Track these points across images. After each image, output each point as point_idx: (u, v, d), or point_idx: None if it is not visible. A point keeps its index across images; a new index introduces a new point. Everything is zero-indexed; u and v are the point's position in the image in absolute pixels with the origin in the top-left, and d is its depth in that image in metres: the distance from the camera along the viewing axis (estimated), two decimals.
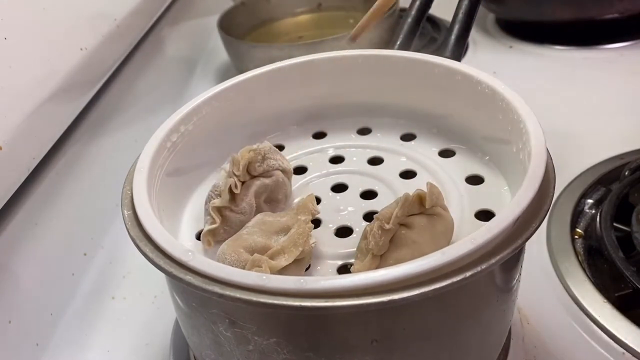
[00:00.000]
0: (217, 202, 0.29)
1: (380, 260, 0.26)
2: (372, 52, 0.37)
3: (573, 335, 0.36)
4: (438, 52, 0.39)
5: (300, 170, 0.36)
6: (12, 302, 0.37)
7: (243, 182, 0.30)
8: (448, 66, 0.34)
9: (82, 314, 0.42)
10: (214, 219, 0.29)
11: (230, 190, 0.29)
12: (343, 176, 0.35)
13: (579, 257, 0.40)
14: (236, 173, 0.29)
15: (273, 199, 0.31)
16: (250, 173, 0.30)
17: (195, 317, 0.27)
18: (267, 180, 0.30)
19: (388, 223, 0.25)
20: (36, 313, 0.39)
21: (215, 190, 0.30)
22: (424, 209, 0.26)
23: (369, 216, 0.31)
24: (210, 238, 0.29)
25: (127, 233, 0.26)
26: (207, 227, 0.29)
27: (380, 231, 0.25)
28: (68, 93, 0.45)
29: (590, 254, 0.41)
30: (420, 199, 0.26)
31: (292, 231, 0.26)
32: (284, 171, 0.31)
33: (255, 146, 0.30)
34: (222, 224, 0.29)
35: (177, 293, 0.27)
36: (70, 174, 0.47)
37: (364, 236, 0.26)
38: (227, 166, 0.30)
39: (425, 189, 0.26)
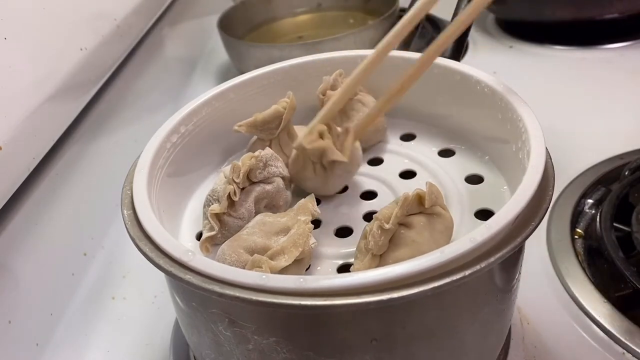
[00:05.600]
0: (215, 208, 0.28)
1: (380, 259, 0.26)
2: (372, 52, 0.37)
3: (573, 335, 0.36)
4: None
5: None
6: (12, 302, 0.37)
7: (243, 188, 0.30)
8: (448, 66, 0.34)
9: (82, 314, 0.42)
10: (212, 225, 0.29)
11: (229, 197, 0.29)
12: None
13: (579, 257, 0.40)
14: (236, 180, 0.29)
15: (274, 205, 0.31)
16: (250, 179, 0.30)
17: (195, 317, 0.27)
18: (267, 187, 0.30)
19: (387, 223, 0.25)
20: (36, 313, 0.39)
21: (214, 195, 0.30)
22: (423, 208, 0.26)
23: (368, 216, 0.31)
24: (208, 244, 0.29)
25: (127, 233, 0.26)
26: (206, 234, 0.29)
27: (379, 231, 0.25)
28: (68, 93, 0.45)
29: (590, 254, 0.41)
30: (419, 198, 0.26)
31: (292, 232, 0.26)
32: (284, 178, 0.31)
33: (256, 153, 0.30)
34: (221, 229, 0.29)
35: (177, 293, 0.27)
36: (70, 174, 0.47)
37: (364, 236, 0.26)
38: (226, 170, 0.30)
39: (424, 188, 0.26)
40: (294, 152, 0.32)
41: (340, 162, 0.31)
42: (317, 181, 0.31)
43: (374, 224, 0.26)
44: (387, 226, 0.25)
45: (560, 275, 0.39)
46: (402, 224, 0.26)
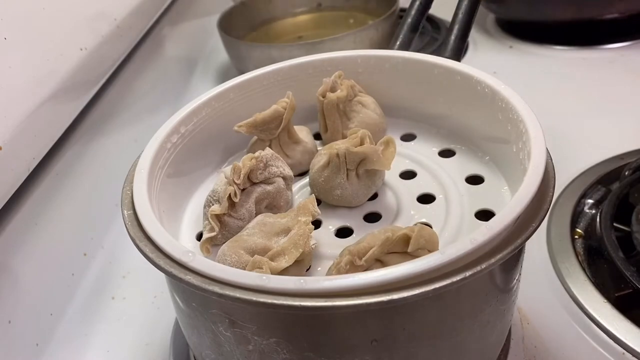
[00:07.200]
0: (216, 209, 0.28)
1: None
2: (372, 52, 0.37)
3: (573, 335, 0.36)
4: (438, 52, 0.39)
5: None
6: (12, 302, 0.37)
7: (243, 189, 0.30)
8: (448, 66, 0.34)
9: (82, 314, 0.42)
10: (212, 226, 0.29)
11: (230, 198, 0.29)
12: None
13: (579, 257, 0.40)
14: (236, 181, 0.29)
15: (275, 205, 0.31)
16: (251, 180, 0.30)
17: (195, 317, 0.27)
18: (268, 187, 0.30)
19: (361, 258, 0.24)
20: (36, 313, 0.39)
21: (214, 196, 0.29)
22: (407, 249, 0.24)
23: (369, 217, 0.31)
24: (208, 245, 0.29)
25: (127, 233, 0.26)
26: (206, 235, 0.29)
27: (348, 266, 0.24)
28: (68, 93, 0.45)
29: (590, 254, 0.41)
30: (405, 239, 0.24)
31: (292, 232, 0.26)
32: (285, 178, 0.31)
33: (257, 154, 0.30)
34: (221, 229, 0.29)
35: (177, 293, 0.27)
36: (70, 174, 0.47)
37: (334, 265, 0.25)
38: (226, 170, 0.30)
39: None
40: (320, 159, 0.32)
41: (377, 171, 0.31)
42: (348, 189, 0.30)
43: (344, 257, 0.24)
44: (359, 262, 0.24)
45: (560, 275, 0.39)
46: (379, 260, 0.25)
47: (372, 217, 0.31)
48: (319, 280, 0.21)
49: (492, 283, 0.25)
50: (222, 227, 0.29)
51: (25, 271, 0.39)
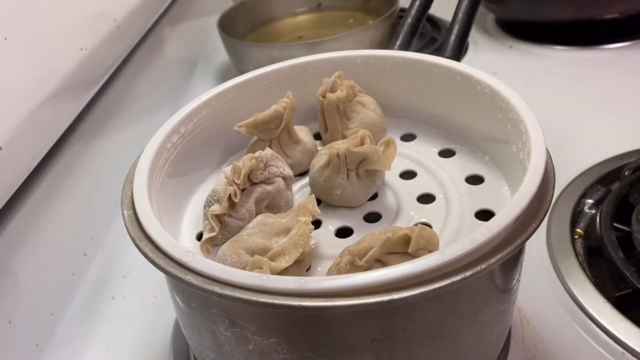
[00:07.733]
0: (216, 209, 0.28)
1: None
2: (372, 52, 0.38)
3: (573, 335, 0.36)
4: (438, 52, 0.39)
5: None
6: (12, 302, 0.37)
7: (243, 189, 0.30)
8: (448, 66, 0.34)
9: (82, 314, 0.42)
10: (212, 226, 0.29)
11: (230, 198, 0.29)
12: None
13: (579, 257, 0.40)
14: (236, 181, 0.29)
15: (275, 205, 0.31)
16: (251, 180, 0.30)
17: (195, 317, 0.27)
18: (268, 187, 0.30)
19: (361, 259, 0.24)
20: (36, 313, 0.39)
21: (214, 196, 0.29)
22: (407, 249, 0.24)
23: (369, 216, 0.31)
24: (209, 245, 0.29)
25: (127, 233, 0.26)
26: (206, 236, 0.29)
27: (348, 266, 0.24)
28: (68, 93, 0.45)
29: (590, 254, 0.41)
30: (406, 239, 0.24)
31: (292, 232, 0.26)
32: (285, 178, 0.31)
33: (257, 154, 0.30)
34: (221, 229, 0.29)
35: (177, 293, 0.27)
36: (70, 174, 0.47)
37: (335, 266, 0.25)
38: (226, 170, 0.30)
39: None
40: (320, 159, 0.32)
41: (377, 171, 0.31)
42: (348, 189, 0.30)
43: (344, 258, 0.24)
44: (359, 262, 0.24)
45: (560, 275, 0.39)
46: (379, 260, 0.25)
47: (372, 217, 0.31)
48: (319, 280, 0.21)
49: (492, 283, 0.25)
50: (222, 227, 0.29)
51: (25, 271, 0.39)
